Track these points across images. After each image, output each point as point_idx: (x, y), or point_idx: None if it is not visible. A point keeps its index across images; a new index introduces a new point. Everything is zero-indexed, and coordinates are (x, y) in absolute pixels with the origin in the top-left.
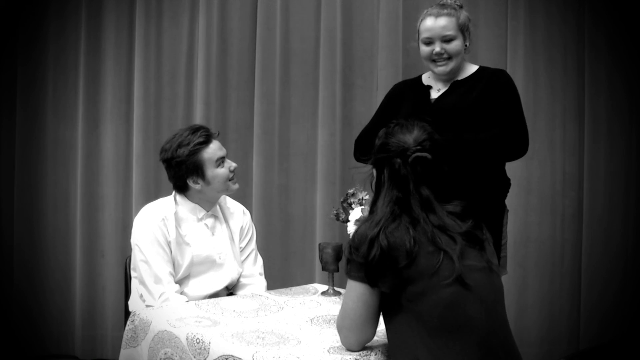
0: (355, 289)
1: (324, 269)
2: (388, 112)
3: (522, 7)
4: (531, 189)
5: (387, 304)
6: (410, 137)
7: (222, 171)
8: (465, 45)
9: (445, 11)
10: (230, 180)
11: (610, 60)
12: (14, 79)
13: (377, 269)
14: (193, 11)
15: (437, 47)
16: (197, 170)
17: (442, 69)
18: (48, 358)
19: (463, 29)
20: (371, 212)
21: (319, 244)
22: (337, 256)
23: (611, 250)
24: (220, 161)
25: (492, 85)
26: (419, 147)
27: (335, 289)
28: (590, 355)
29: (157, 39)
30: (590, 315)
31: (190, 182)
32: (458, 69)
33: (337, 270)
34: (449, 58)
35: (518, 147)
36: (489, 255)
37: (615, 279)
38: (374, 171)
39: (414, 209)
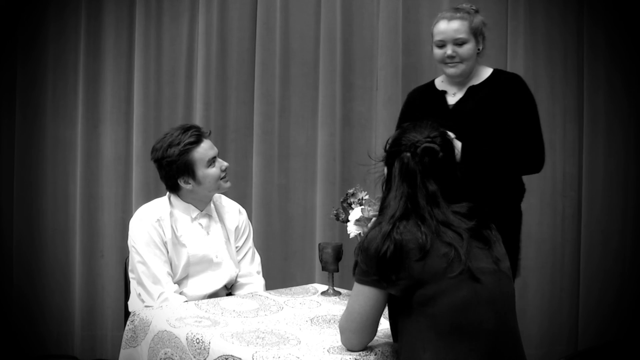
0: (364, 293)
1: (324, 269)
2: (407, 122)
3: (522, 7)
4: (531, 189)
5: (396, 307)
6: (422, 133)
7: (213, 171)
8: (479, 49)
9: (459, 15)
10: (221, 179)
11: (609, 61)
12: (13, 79)
13: (389, 266)
14: (193, 11)
15: (449, 50)
16: (187, 170)
17: (453, 70)
18: (48, 358)
19: (476, 33)
20: (381, 210)
21: (319, 244)
22: (337, 256)
23: (610, 250)
24: (212, 161)
25: (511, 93)
26: (428, 140)
27: (335, 289)
28: (589, 355)
29: (156, 39)
30: (589, 315)
31: (181, 182)
32: (471, 73)
33: (337, 270)
34: (460, 61)
35: (535, 164)
36: (499, 256)
37: (614, 280)
38: (385, 169)
39: (420, 202)
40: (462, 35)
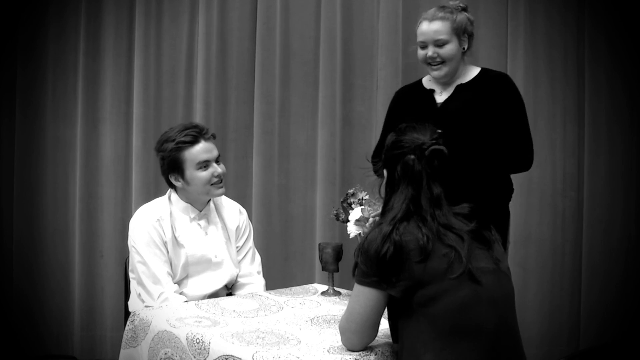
0: (364, 294)
1: (324, 269)
2: (394, 120)
3: (522, 7)
4: (531, 189)
5: (396, 308)
6: (424, 134)
7: (203, 174)
8: (463, 49)
9: (440, 14)
10: (212, 184)
11: (609, 61)
12: (13, 79)
13: (390, 267)
14: (193, 11)
15: (429, 51)
16: (177, 168)
17: (437, 73)
18: (47, 358)
19: (459, 32)
20: (383, 212)
21: (319, 244)
22: (337, 256)
23: (611, 250)
24: (204, 165)
25: (499, 92)
26: (434, 142)
27: (335, 289)
28: (590, 355)
29: (156, 39)
30: (590, 315)
31: (171, 179)
32: (456, 72)
33: (337, 270)
34: (443, 62)
35: (524, 163)
36: (499, 256)
37: (615, 279)
38: (385, 171)
39: (423, 205)
40: (442, 37)
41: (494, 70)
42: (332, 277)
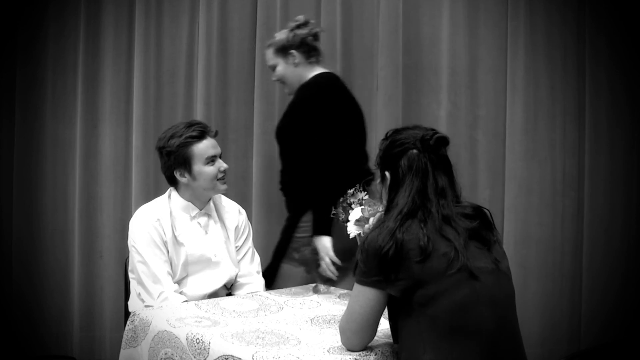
0: (364, 294)
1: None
2: None
3: (522, 7)
4: (531, 189)
5: (396, 308)
6: (420, 130)
7: (210, 169)
8: (295, 62)
9: (268, 43)
10: (218, 180)
11: (610, 60)
12: (13, 79)
13: (389, 265)
14: (193, 11)
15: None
16: (184, 163)
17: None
18: (46, 358)
19: (283, 51)
20: (387, 210)
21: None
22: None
23: (612, 250)
24: (211, 160)
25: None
26: (435, 132)
27: (324, 285)
28: (591, 355)
29: (156, 39)
30: (591, 315)
31: (177, 175)
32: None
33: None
34: (283, 82)
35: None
36: (498, 256)
37: (616, 279)
38: (387, 173)
39: (430, 196)
40: (270, 63)
41: (310, 79)
42: (317, 274)
